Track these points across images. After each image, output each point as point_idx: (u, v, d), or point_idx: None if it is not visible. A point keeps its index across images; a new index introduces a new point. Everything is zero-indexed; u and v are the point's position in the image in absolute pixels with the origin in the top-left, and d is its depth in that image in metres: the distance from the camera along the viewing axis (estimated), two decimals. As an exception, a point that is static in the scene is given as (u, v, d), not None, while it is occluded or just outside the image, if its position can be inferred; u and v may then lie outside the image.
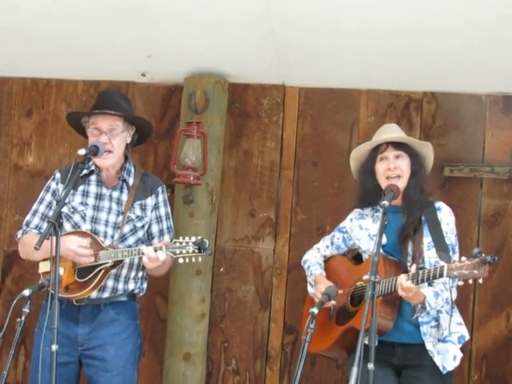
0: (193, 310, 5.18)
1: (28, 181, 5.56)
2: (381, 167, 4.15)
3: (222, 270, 5.37)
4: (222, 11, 4.42)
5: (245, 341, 5.34)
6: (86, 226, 4.22)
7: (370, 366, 3.31)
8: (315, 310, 3.67)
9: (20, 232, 4.35)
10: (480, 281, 3.59)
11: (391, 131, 4.26)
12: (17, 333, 3.72)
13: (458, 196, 5.14)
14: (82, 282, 4.12)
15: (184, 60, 5.14)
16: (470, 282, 3.62)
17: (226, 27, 4.60)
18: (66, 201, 4.06)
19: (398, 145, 4.16)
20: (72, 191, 4.16)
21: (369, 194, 4.21)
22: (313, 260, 4.37)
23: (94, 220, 4.23)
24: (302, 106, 5.41)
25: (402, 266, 4.01)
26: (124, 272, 4.23)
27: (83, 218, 4.24)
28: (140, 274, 4.31)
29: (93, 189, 4.29)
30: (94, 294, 4.16)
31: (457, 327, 4.03)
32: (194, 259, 4.01)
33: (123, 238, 4.22)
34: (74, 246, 4.08)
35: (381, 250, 3.97)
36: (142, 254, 4.03)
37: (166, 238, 4.25)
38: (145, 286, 4.37)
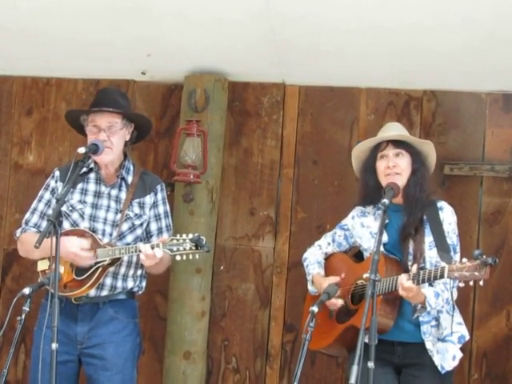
0: (193, 309, 5.18)
1: (28, 179, 5.56)
2: (381, 165, 4.15)
3: (222, 268, 5.38)
4: (222, 10, 4.42)
5: (245, 339, 5.35)
6: (84, 224, 4.22)
7: (370, 364, 3.32)
8: (315, 309, 3.67)
9: (19, 230, 4.35)
10: (481, 283, 3.59)
11: (393, 129, 4.26)
12: (17, 331, 3.73)
13: (458, 194, 5.14)
14: (80, 280, 4.12)
15: (184, 58, 5.14)
16: (471, 283, 3.62)
17: (226, 26, 4.59)
18: (65, 199, 4.06)
19: (398, 143, 4.16)
20: (71, 189, 4.16)
21: (370, 192, 4.21)
22: (312, 259, 4.37)
23: (93, 218, 4.23)
24: (302, 104, 5.41)
25: (403, 265, 4.00)
26: (122, 270, 4.23)
27: (82, 216, 4.24)
28: (139, 272, 4.31)
29: (91, 187, 4.29)
30: (92, 292, 4.16)
31: (457, 327, 4.03)
32: (191, 256, 4.00)
33: (121, 236, 4.22)
34: (76, 249, 4.08)
35: (382, 249, 3.99)
36: (139, 251, 4.02)
37: (165, 236, 4.24)
38: (144, 284, 4.38)
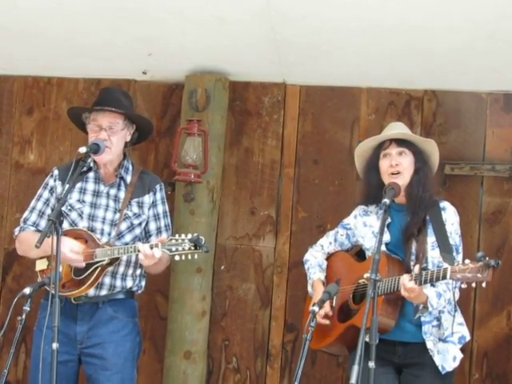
0: (193, 308, 5.18)
1: (29, 179, 5.56)
2: (384, 164, 4.15)
3: (222, 268, 5.37)
4: (222, 9, 4.42)
5: (245, 339, 5.35)
6: (83, 224, 4.22)
7: (371, 364, 3.31)
8: (316, 309, 3.67)
9: (17, 229, 4.36)
10: (483, 285, 3.59)
11: (396, 129, 4.27)
12: (17, 331, 3.73)
13: (458, 194, 5.14)
14: (79, 280, 4.12)
15: (185, 58, 5.14)
16: (474, 285, 3.62)
17: (226, 25, 4.59)
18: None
19: (401, 142, 4.16)
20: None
21: (373, 191, 4.21)
22: (313, 261, 4.37)
23: (91, 217, 4.23)
24: (303, 104, 5.41)
25: (405, 265, 4.01)
26: (121, 269, 4.23)
27: (80, 215, 4.23)
28: (138, 271, 4.31)
29: (90, 186, 4.29)
30: (91, 292, 4.16)
31: (458, 327, 4.03)
32: (190, 256, 3.99)
33: (120, 236, 4.22)
34: (67, 250, 4.03)
35: (384, 248, 4.00)
36: (138, 251, 4.02)
37: (164, 235, 4.24)
38: (143, 283, 4.37)
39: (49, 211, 4.24)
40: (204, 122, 5.18)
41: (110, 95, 4.34)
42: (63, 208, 4.12)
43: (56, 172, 4.35)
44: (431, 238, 4.04)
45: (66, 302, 4.12)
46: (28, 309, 3.73)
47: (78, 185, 4.26)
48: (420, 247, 4.02)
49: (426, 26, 4.40)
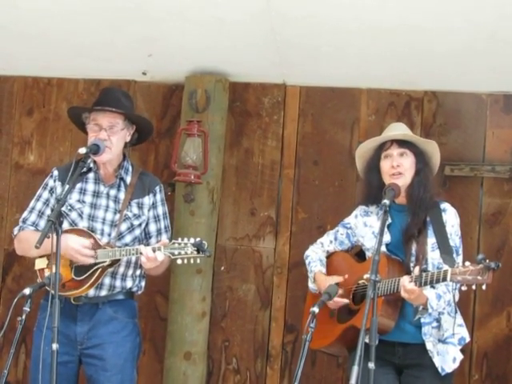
0: (193, 309, 5.18)
1: (29, 179, 5.56)
2: (385, 165, 4.15)
3: (222, 268, 5.37)
4: (222, 10, 4.42)
5: (245, 340, 5.35)
6: (83, 224, 4.21)
7: (371, 365, 3.31)
8: (316, 309, 3.66)
9: (16, 228, 4.36)
10: (483, 287, 3.59)
11: (397, 129, 4.26)
12: (17, 331, 3.72)
13: (458, 195, 5.13)
14: (79, 280, 4.12)
15: (185, 59, 5.14)
16: (474, 287, 3.62)
17: (226, 26, 4.59)
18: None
19: (402, 143, 4.16)
20: (70, 189, 4.16)
21: (374, 192, 4.20)
22: (314, 256, 4.37)
23: (91, 218, 4.23)
24: (303, 104, 5.41)
25: (405, 266, 4.01)
26: (121, 270, 4.23)
27: (80, 215, 4.23)
28: (138, 272, 4.31)
29: (90, 186, 4.29)
30: (91, 292, 4.16)
31: (458, 329, 4.03)
32: (192, 261, 4.00)
33: (120, 236, 4.22)
34: (78, 246, 4.08)
35: (384, 249, 3.99)
36: (140, 253, 4.03)
37: (164, 237, 4.26)
38: (143, 284, 4.37)
39: (48, 211, 4.25)
40: (204, 122, 5.18)
41: (110, 95, 4.34)
42: (63, 208, 4.13)
43: (56, 172, 4.35)
44: (431, 240, 4.04)
45: (65, 303, 4.11)
46: (28, 309, 3.72)
47: (78, 185, 4.26)
48: (420, 248, 4.02)
49: (426, 27, 4.41)
